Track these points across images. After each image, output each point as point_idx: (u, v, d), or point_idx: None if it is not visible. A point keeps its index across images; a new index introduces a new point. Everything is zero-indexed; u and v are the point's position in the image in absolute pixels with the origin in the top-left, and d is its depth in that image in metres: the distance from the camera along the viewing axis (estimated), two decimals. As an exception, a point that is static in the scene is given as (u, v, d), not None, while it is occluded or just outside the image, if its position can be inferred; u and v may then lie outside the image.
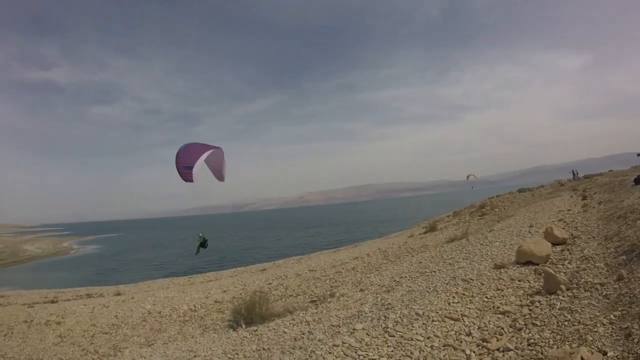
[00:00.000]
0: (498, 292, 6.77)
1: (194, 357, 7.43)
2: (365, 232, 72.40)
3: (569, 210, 15.14)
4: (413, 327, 5.89)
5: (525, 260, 8.16)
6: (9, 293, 25.26)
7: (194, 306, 13.27)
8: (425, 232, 21.56)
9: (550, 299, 6.05)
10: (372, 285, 10.13)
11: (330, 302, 9.36)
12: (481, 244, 11.43)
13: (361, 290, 9.77)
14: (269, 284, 14.79)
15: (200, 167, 11.16)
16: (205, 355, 7.31)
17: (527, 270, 7.68)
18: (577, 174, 37.85)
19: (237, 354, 6.95)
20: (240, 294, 13.86)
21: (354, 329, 6.09)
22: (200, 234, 17.23)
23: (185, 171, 10.87)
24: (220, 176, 12.81)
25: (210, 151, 11.61)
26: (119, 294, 18.73)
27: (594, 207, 14.38)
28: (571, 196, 20.01)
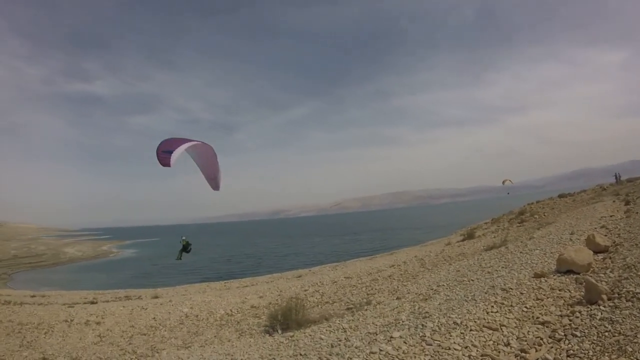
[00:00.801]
0: (538, 301, 6.63)
1: None
2: (402, 239, 71.83)
3: (611, 216, 14.65)
4: (451, 336, 5.85)
5: (566, 268, 7.94)
6: (50, 293, 26.04)
7: (231, 311, 13.36)
8: (462, 240, 21.27)
9: (591, 309, 5.90)
10: (409, 293, 10.05)
11: (366, 309, 9.32)
12: (520, 252, 11.20)
13: (398, 298, 9.70)
14: (305, 290, 14.79)
15: (180, 154, 11.15)
16: (242, 359, 7.38)
17: (567, 279, 7.48)
18: (620, 177, 36.62)
19: (274, 358, 7.00)
20: (277, 299, 13.90)
21: (391, 337, 6.08)
22: (183, 237, 16.92)
23: (163, 155, 10.83)
24: (215, 185, 12.99)
25: (194, 143, 11.59)
26: (156, 297, 19.05)
27: (637, 213, 13.86)
28: (614, 201, 19.30)
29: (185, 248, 20.20)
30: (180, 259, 15.64)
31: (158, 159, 10.71)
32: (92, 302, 18.53)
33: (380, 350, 5.70)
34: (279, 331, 9.25)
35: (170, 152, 10.94)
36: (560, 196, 31.63)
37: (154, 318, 13.37)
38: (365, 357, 5.60)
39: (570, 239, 11.60)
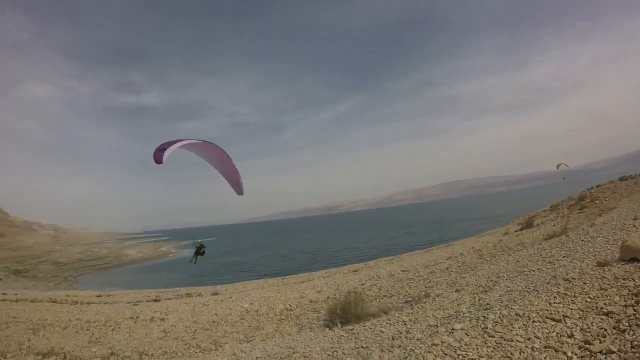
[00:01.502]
0: (601, 292, 6.41)
1: (293, 353, 7.64)
2: (458, 230, 70.77)
3: (677, 198, 14.03)
4: (513, 328, 5.79)
5: (631, 256, 7.59)
6: (114, 293, 27.13)
7: (290, 306, 13.57)
8: (521, 229, 20.79)
9: (657, 299, 5.74)
10: (468, 285, 9.97)
11: (425, 302, 9.32)
12: (582, 241, 10.83)
13: (457, 290, 9.64)
14: (363, 284, 14.81)
15: (173, 152, 11.42)
16: (304, 352, 7.51)
17: (632, 267, 7.17)
18: None
19: (335, 351, 7.13)
20: (335, 294, 14.01)
21: (453, 329, 6.09)
22: (198, 240, 16.76)
23: (158, 153, 11.09)
24: (240, 190, 13.35)
25: (194, 142, 12.13)
26: (216, 294, 19.51)
27: None
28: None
29: (199, 251, 20.61)
30: (196, 262, 15.76)
31: (153, 156, 10.90)
32: (156, 300, 19.20)
33: (443, 342, 5.73)
34: (339, 325, 9.37)
35: (164, 150, 11.22)
36: (622, 179, 29.88)
37: (216, 314, 13.78)
38: (427, 349, 5.65)
39: (634, 225, 11.07)
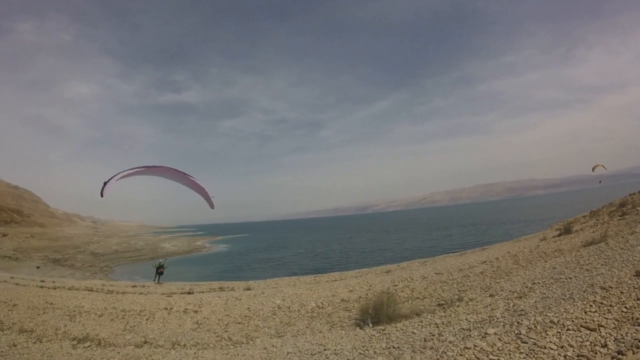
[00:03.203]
0: (638, 302, 6.33)
1: (324, 350, 7.72)
2: (494, 234, 69.79)
3: None
4: (547, 334, 5.76)
5: None
6: (149, 283, 27.62)
7: (321, 303, 13.58)
8: (559, 235, 20.33)
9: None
10: (502, 290, 9.88)
11: (458, 306, 9.28)
12: (621, 249, 10.60)
13: (491, 295, 9.57)
14: (395, 285, 14.74)
15: (114, 183, 13.36)
16: (334, 350, 7.59)
17: None
18: None
19: (366, 350, 7.18)
20: (366, 294, 14.00)
21: (486, 333, 6.09)
22: (160, 261, 17.89)
23: (103, 187, 13.12)
24: (211, 204, 15.61)
25: (138, 169, 14.07)
26: (249, 289, 19.63)
27: None
28: None
29: (158, 270, 22.62)
30: (158, 281, 16.35)
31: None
32: (189, 293, 19.48)
33: (475, 346, 5.74)
34: (370, 324, 9.37)
35: (105, 183, 13.17)
36: (667, 185, 28.67)
37: (248, 308, 13.91)
38: (459, 351, 5.67)
39: (676, 235, 10.83)
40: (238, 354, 8.56)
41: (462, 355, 5.56)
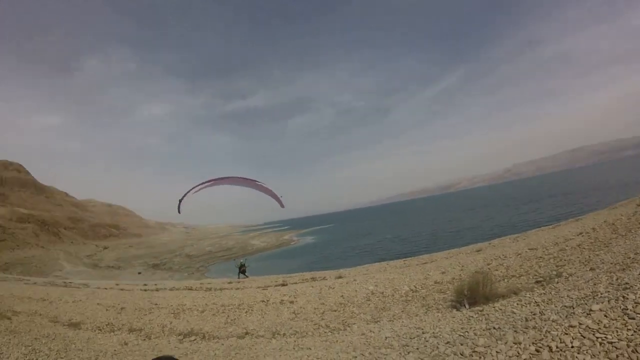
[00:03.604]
0: None
1: (422, 333, 7.79)
2: (586, 203, 66.45)
3: None
4: (656, 308, 5.54)
5: None
6: (243, 279, 28.63)
7: (415, 287, 13.51)
8: (659, 199, 19.16)
9: None
10: (603, 263, 9.48)
11: (557, 282, 8.99)
12: None
13: (592, 269, 9.20)
14: (488, 264, 14.41)
15: (187, 199, 15.37)
16: (433, 332, 7.64)
17: None
18: None
19: (466, 332, 7.18)
20: (459, 274, 13.82)
21: (590, 310, 5.88)
22: (241, 261, 18.81)
23: (178, 204, 15.29)
24: (280, 204, 16.91)
25: (207, 183, 15.76)
26: (340, 277, 19.82)
27: None
28: None
29: (240, 269, 24.26)
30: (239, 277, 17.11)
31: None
32: (283, 285, 19.96)
33: (580, 323, 5.57)
34: (467, 305, 9.32)
35: (180, 200, 15.19)
36: None
37: (342, 296, 14.10)
38: (564, 330, 5.54)
39: None
40: (337, 340, 8.80)
41: (567, 334, 5.43)
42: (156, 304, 17.20)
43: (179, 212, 15.12)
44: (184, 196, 15.37)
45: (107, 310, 16.88)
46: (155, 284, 28.60)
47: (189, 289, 22.00)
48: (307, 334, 10.32)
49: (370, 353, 7.21)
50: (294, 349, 8.65)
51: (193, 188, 15.54)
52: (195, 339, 11.02)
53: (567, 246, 13.51)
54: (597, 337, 5.23)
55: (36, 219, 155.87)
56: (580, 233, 15.51)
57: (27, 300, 20.36)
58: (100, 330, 13.26)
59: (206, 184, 15.88)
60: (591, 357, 4.93)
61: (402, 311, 10.87)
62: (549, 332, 5.66)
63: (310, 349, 8.40)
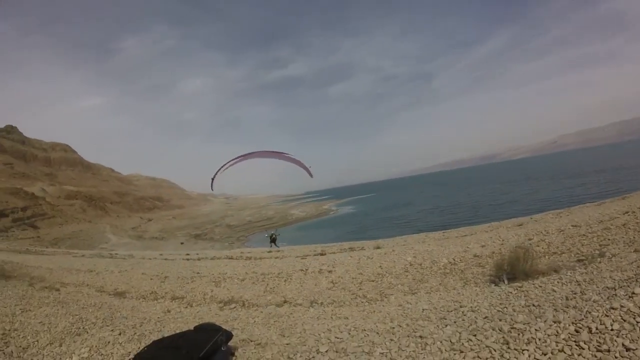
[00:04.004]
0: None
1: (460, 307, 7.80)
2: (636, 180, 64.44)
3: None
4: None
5: None
6: (283, 248, 29.14)
7: (454, 260, 13.40)
8: None
9: None
10: (649, 244, 9.31)
11: (600, 262, 8.81)
12: None
13: (636, 250, 8.95)
14: (529, 239, 14.08)
15: (219, 176, 16.69)
16: (471, 307, 7.64)
17: None
18: None
19: (505, 307, 7.16)
20: (499, 249, 13.61)
21: (633, 293, 5.79)
22: (272, 233, 19.56)
23: (211, 182, 16.56)
24: (309, 173, 17.70)
25: (236, 160, 16.70)
26: (378, 247, 19.84)
27: None
28: None
29: (271, 239, 25.46)
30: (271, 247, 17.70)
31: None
32: (321, 254, 20.19)
33: (622, 306, 5.51)
34: (506, 281, 9.23)
35: (213, 179, 16.60)
36: None
37: (380, 266, 14.14)
38: (604, 312, 5.49)
39: None
40: (374, 311, 8.90)
41: (607, 316, 5.39)
42: (198, 273, 17.81)
43: (212, 189, 16.35)
44: (215, 174, 16.48)
45: (151, 279, 17.64)
46: (197, 254, 29.45)
47: (229, 258, 22.57)
48: (344, 303, 10.45)
49: (407, 324, 7.28)
50: (331, 317, 8.81)
51: (223, 166, 16.69)
52: (235, 307, 11.36)
53: (611, 225, 13.13)
54: (638, 322, 5.18)
55: (83, 195, 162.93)
56: (627, 212, 15.07)
57: (75, 272, 21.38)
58: (144, 298, 13.86)
59: (236, 160, 16.78)
60: (630, 342, 4.91)
61: (440, 284, 10.86)
62: (589, 312, 5.63)
63: (347, 318, 8.54)
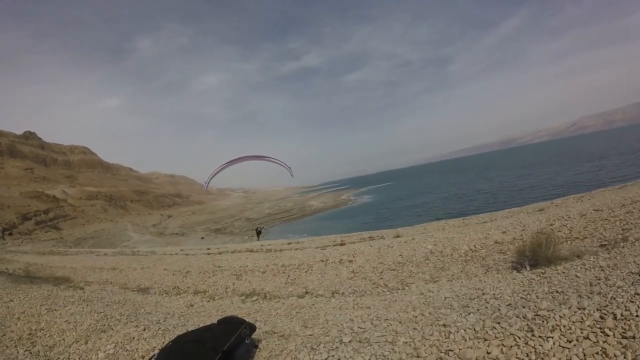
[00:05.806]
0: None
1: (482, 294, 7.73)
2: (657, 162, 63.39)
3: None
4: None
5: None
6: (303, 239, 29.18)
7: (474, 246, 13.27)
8: None
9: None
10: (673, 228, 9.15)
11: (623, 247, 8.71)
12: None
13: (660, 234, 8.90)
14: (551, 225, 13.87)
15: (211, 178, 19.13)
16: (494, 294, 7.57)
17: None
18: None
19: (528, 294, 7.08)
20: (520, 235, 13.44)
21: (658, 278, 5.78)
22: (258, 227, 21.54)
23: (206, 186, 19.73)
24: (290, 173, 19.92)
25: (226, 164, 18.89)
26: (398, 236, 19.71)
27: None
28: None
29: (259, 233, 27.11)
30: (257, 239, 19.04)
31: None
32: (341, 244, 20.14)
33: (646, 292, 5.48)
34: (528, 267, 9.18)
35: (207, 182, 19.37)
36: None
37: (401, 255, 14.07)
38: (629, 298, 5.42)
39: None
40: (396, 300, 8.86)
41: (632, 302, 5.31)
42: (219, 267, 17.97)
43: (206, 189, 19.10)
44: (210, 178, 18.82)
45: (173, 274, 17.89)
46: (218, 248, 29.69)
47: (250, 251, 22.70)
48: (366, 293, 10.51)
49: (430, 313, 7.25)
50: (353, 307, 8.78)
51: (216, 169, 18.98)
52: (257, 299, 11.51)
53: (634, 209, 12.91)
54: (663, 308, 5.13)
55: (104, 195, 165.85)
56: (650, 194, 14.84)
57: (98, 270, 21.82)
58: (167, 293, 14.19)
59: (226, 165, 18.95)
60: (655, 328, 4.88)
61: (461, 271, 10.85)
62: (614, 298, 5.56)
63: (369, 307, 8.51)
